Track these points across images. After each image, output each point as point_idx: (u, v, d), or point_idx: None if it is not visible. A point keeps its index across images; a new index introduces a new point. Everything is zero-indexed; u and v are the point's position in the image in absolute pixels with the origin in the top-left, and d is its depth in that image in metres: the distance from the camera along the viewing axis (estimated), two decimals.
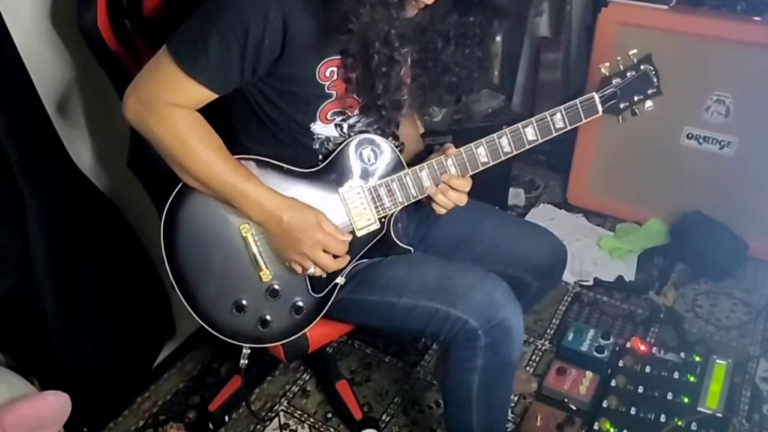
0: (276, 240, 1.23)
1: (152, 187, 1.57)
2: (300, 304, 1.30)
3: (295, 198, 1.23)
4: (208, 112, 1.19)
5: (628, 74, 1.28)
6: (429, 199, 1.32)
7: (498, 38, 2.57)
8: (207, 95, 1.15)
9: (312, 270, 1.25)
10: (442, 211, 1.32)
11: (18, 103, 1.44)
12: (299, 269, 1.25)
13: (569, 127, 1.28)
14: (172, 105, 1.14)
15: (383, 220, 1.30)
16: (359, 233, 1.29)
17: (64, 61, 1.63)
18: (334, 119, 1.25)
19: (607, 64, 1.29)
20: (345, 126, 1.27)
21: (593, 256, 2.34)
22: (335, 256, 1.25)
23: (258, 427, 1.78)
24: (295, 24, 1.09)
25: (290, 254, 1.23)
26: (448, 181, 1.28)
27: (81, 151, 1.72)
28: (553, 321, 2.11)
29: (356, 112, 1.26)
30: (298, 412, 1.83)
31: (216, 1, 1.10)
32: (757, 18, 2.03)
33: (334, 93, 1.20)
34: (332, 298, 1.32)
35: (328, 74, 1.17)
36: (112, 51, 1.37)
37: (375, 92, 1.17)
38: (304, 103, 1.21)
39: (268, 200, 1.20)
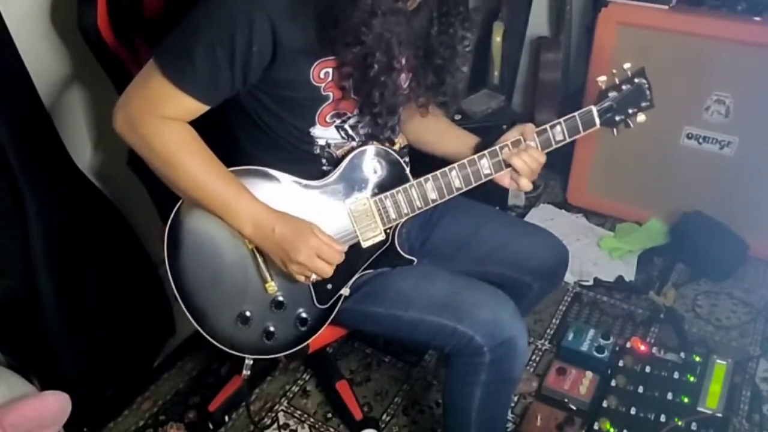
0: (273, 253, 1.20)
1: (152, 186, 1.57)
2: (304, 315, 1.30)
3: (286, 212, 1.21)
4: (210, 123, 1.17)
5: (624, 87, 1.29)
6: (497, 180, 1.30)
7: (498, 38, 2.56)
8: (197, 107, 1.12)
9: (314, 277, 1.23)
10: (524, 183, 1.29)
11: (18, 103, 1.44)
12: (302, 279, 1.22)
13: (568, 140, 1.29)
14: (162, 117, 1.11)
15: (388, 231, 1.30)
16: (365, 244, 1.29)
17: (65, 62, 1.63)
18: (334, 121, 1.23)
19: (604, 77, 1.30)
20: (347, 127, 1.25)
21: (593, 256, 2.34)
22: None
23: (258, 428, 1.78)
24: (284, 28, 1.07)
25: (289, 265, 1.20)
26: (524, 148, 1.27)
27: (81, 151, 1.72)
28: (553, 321, 2.11)
29: (356, 112, 1.24)
30: (298, 412, 1.83)
31: (201, 10, 1.08)
32: (757, 18, 2.03)
33: (331, 95, 1.18)
34: (336, 309, 1.32)
35: (322, 75, 1.15)
36: (112, 51, 1.37)
37: (371, 100, 1.16)
38: (300, 107, 1.19)
39: (261, 216, 1.17)
